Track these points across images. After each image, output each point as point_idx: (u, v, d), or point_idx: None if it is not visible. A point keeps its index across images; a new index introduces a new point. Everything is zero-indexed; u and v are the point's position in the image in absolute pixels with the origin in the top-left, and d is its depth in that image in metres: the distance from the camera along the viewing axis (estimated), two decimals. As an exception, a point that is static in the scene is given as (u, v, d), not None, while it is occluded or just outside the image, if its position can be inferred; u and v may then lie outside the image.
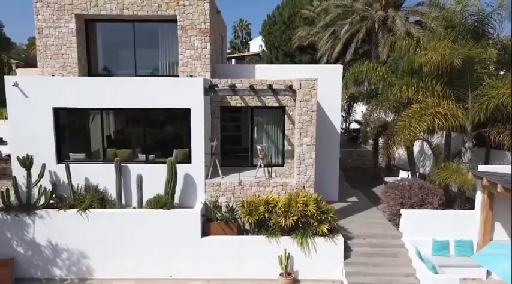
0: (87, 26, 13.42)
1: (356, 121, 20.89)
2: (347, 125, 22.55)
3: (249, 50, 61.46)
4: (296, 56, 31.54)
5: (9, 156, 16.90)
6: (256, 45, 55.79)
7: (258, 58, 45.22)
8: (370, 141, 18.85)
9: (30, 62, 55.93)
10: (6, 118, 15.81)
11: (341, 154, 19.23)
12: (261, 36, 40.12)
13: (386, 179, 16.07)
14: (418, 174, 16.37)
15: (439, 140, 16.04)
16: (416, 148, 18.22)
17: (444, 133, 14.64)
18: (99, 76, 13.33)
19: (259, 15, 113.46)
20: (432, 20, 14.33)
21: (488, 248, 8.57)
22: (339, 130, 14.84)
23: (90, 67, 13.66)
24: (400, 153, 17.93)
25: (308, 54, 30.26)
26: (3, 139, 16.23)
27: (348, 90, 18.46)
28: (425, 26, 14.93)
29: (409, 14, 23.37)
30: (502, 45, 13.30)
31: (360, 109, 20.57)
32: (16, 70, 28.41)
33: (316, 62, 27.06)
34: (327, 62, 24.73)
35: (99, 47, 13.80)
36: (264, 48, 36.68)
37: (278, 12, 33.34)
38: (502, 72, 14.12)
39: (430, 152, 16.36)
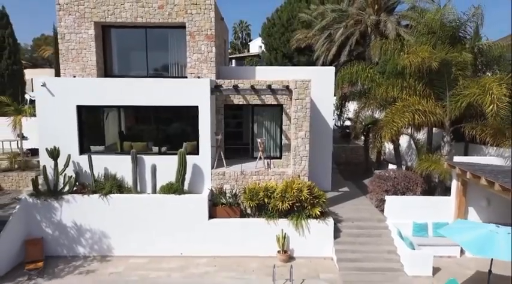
0: (104, 31, 14.87)
1: (349, 118, 22.34)
2: (341, 122, 24.01)
3: (248, 51, 62.76)
4: (294, 57, 32.85)
5: (30, 150, 18.40)
6: (256, 46, 57.08)
7: (257, 59, 46.56)
8: (362, 137, 20.30)
9: (36, 63, 57.34)
10: (28, 116, 17.19)
11: (335, 150, 20.74)
12: (260, 37, 41.50)
13: (376, 171, 17.52)
14: (405, 167, 17.84)
15: (424, 136, 17.50)
16: (404, 144, 19.73)
17: (427, 129, 16.12)
18: (114, 77, 14.79)
19: (259, 15, 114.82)
20: (416, 25, 15.80)
21: (454, 224, 10.05)
22: (331, 126, 16.32)
23: (106, 68, 15.13)
24: (390, 148, 19.43)
25: (306, 55, 31.59)
26: (24, 135, 17.58)
27: (341, 89, 19.90)
28: (414, 30, 16.32)
29: (400, 18, 24.77)
30: (478, 50, 14.82)
31: (352, 108, 22.03)
32: (24, 71, 29.76)
33: (313, 63, 28.39)
34: (323, 63, 26.07)
35: (114, 50, 15.27)
36: (264, 50, 38.03)
37: (277, 15, 34.68)
38: (489, 74, 15.34)
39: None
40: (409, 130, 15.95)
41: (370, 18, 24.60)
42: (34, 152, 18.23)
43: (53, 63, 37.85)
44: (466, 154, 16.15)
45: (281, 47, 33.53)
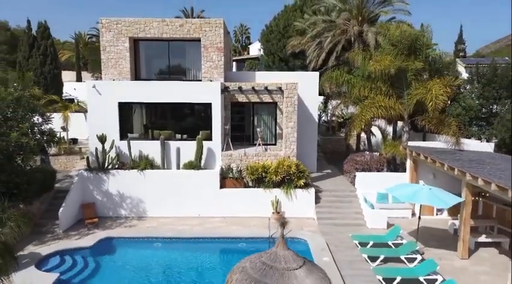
0: (135, 44, 18.79)
1: (333, 114, 26.26)
2: (328, 118, 27.95)
3: (248, 53, 66.55)
4: (290, 61, 36.64)
5: (72, 139, 22.31)
6: (255, 48, 60.80)
7: (257, 61, 50.39)
8: (343, 130, 24.25)
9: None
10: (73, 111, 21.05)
11: (322, 141, 24.69)
12: (259, 38, 45.27)
13: (351, 155, 21.41)
14: (378, 153, 21.75)
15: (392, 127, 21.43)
16: (379, 135, 23.64)
17: (393, 122, 20.07)
18: (142, 80, 18.69)
19: (259, 15, 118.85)
20: (384, 38, 19.69)
21: (396, 185, 13.95)
22: (316, 119, 20.26)
23: (136, 73, 19.04)
24: (366, 138, 23.35)
25: (300, 59, 35.39)
26: (65, 126, 21.39)
27: (325, 90, 23.81)
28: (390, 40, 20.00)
29: (380, 29, 28.68)
30: (432, 59, 18.73)
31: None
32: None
33: (306, 66, 32.28)
34: (314, 67, 29.97)
35: (143, 58, 19.18)
36: (263, 54, 41.87)
37: (275, 23, 38.48)
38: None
39: (389, 137, 21.77)
40: (377, 123, 19.85)
41: (353, 28, 28.49)
42: (74, 141, 22.14)
43: (74, 66, 41.72)
44: (424, 141, 20.08)
45: (278, 52, 37.34)
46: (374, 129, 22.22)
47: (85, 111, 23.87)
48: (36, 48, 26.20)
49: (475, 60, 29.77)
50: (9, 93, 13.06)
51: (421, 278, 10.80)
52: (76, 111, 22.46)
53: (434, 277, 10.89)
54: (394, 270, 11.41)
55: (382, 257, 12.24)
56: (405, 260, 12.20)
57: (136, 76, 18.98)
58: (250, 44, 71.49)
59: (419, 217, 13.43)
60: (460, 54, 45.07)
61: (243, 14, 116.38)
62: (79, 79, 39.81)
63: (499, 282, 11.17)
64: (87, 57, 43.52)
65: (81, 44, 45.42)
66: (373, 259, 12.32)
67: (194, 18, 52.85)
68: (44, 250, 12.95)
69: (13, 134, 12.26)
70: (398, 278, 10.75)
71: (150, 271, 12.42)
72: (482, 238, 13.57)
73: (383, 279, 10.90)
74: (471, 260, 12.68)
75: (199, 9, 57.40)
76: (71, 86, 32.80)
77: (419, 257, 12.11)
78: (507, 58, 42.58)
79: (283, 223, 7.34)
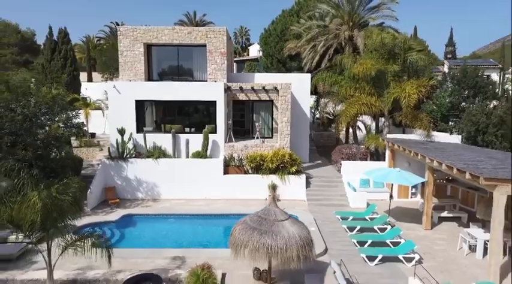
0: (148, 49, 21.34)
1: (323, 111, 28.84)
2: (320, 114, 30.52)
3: (248, 54, 69.13)
4: (287, 62, 39.20)
5: (91, 134, 24.86)
6: (255, 49, 63.35)
7: (256, 62, 52.92)
8: (333, 125, 26.82)
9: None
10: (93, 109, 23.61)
11: (315, 136, 27.21)
12: (259, 40, 47.81)
13: (338, 146, 23.98)
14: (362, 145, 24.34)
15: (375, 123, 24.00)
16: (365, 130, 26.24)
17: (376, 118, 22.66)
18: (154, 81, 21.25)
19: (259, 15, 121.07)
20: (373, 43, 22.22)
21: (371, 169, 16.52)
22: (309, 115, 22.83)
23: (149, 75, 21.59)
24: (352, 132, 25.91)
25: (296, 61, 37.90)
26: (86, 122, 23.92)
27: (319, 89, 26.41)
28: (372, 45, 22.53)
29: (368, 33, 31.22)
30: (409, 62, 21.27)
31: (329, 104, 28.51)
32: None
33: (302, 68, 34.81)
34: (309, 69, 32.48)
35: (155, 62, 21.75)
36: (262, 56, 44.44)
37: (273, 26, 41.05)
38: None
39: (373, 131, 24.35)
40: (362, 118, 22.42)
41: (345, 33, 31.03)
42: (93, 135, 24.69)
43: (85, 67, 44.28)
44: (403, 134, 22.63)
45: (276, 54, 39.92)
46: (361, 125, 24.83)
47: (99, 109, 26.53)
48: (58, 52, 28.90)
49: (461, 62, 32.22)
50: (49, 92, 15.61)
51: (388, 241, 13.37)
52: (94, 109, 25.04)
53: (398, 240, 13.46)
54: (367, 236, 13.97)
55: (358, 227, 14.84)
56: (377, 230, 14.77)
57: (149, 77, 21.53)
58: (250, 45, 74.10)
59: (391, 196, 16.01)
60: (448, 56, 47.67)
61: (243, 14, 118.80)
62: (90, 79, 42.41)
63: (450, 246, 13.75)
64: (97, 59, 46.04)
65: (90, 46, 48.02)
66: (351, 229, 14.91)
67: (196, 21, 55.45)
68: (78, 222, 15.37)
69: (54, 126, 14.82)
70: (369, 241, 13.32)
71: (166, 238, 14.99)
72: (445, 214, 16.15)
73: (357, 242, 13.47)
74: (433, 231, 15.25)
75: (201, 13, 60.06)
76: (83, 86, 35.35)
77: (389, 227, 14.68)
78: (492, 59, 45.26)
79: (273, 186, 9.54)
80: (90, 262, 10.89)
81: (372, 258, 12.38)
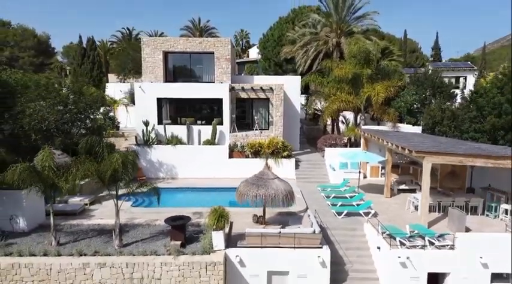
0: (166, 55, 25.80)
1: (315, 109, 33.39)
2: (311, 111, 35.00)
3: (248, 56, 73.36)
4: (283, 65, 43.56)
5: (116, 126, 29.36)
6: (255, 52, 67.53)
7: (255, 64, 57.24)
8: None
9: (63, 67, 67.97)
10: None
11: (306, 129, 31.66)
12: (258, 42, 52.07)
13: (323, 136, 28.48)
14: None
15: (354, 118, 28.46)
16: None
17: (355, 113, 27.15)
18: (170, 82, 25.68)
19: (259, 16, 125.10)
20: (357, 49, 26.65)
21: (345, 152, 20.97)
22: (299, 111, 27.32)
23: (166, 77, 26.04)
24: (340, 126, 30.38)
25: (291, 64, 42.22)
26: (114, 116, 28.45)
27: (310, 88, 30.85)
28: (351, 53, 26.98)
29: (352, 41, 35.66)
30: (382, 67, 25.73)
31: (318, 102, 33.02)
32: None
33: (296, 70, 39.20)
34: (301, 71, 36.80)
35: (171, 66, 26.22)
36: (261, 59, 48.84)
37: (271, 32, 45.44)
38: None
39: (352, 124, 28.81)
40: (343, 114, 26.88)
41: (333, 40, 35.49)
42: (117, 128, 29.23)
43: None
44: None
45: (273, 57, 44.33)
46: (343, 119, 29.33)
47: (125, 105, 30.98)
48: (87, 57, 33.45)
49: (442, 64, 36.73)
50: (94, 91, 20.04)
51: (354, 203, 17.85)
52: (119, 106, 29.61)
53: (360, 202, 17.93)
54: (338, 199, 18.44)
55: (333, 195, 19.32)
56: (348, 197, 19.25)
57: (166, 79, 25.97)
58: (250, 47, 78.45)
59: (360, 172, 20.53)
60: (430, 59, 52.10)
61: (244, 14, 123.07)
62: (106, 80, 46.96)
63: (401, 207, 18.23)
64: (111, 61, 50.51)
65: (103, 50, 52.53)
66: (328, 197, 19.38)
67: (201, 26, 59.82)
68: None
69: (99, 117, 19.27)
70: (339, 203, 17.80)
71: (186, 203, 19.41)
72: (403, 186, 20.63)
73: (331, 204, 17.96)
74: (392, 199, 19.71)
75: (205, 20, 64.42)
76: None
77: (357, 195, 19.16)
78: (469, 62, 49.70)
79: (267, 162, 13.73)
80: (133, 215, 15.47)
81: (340, 214, 16.88)
